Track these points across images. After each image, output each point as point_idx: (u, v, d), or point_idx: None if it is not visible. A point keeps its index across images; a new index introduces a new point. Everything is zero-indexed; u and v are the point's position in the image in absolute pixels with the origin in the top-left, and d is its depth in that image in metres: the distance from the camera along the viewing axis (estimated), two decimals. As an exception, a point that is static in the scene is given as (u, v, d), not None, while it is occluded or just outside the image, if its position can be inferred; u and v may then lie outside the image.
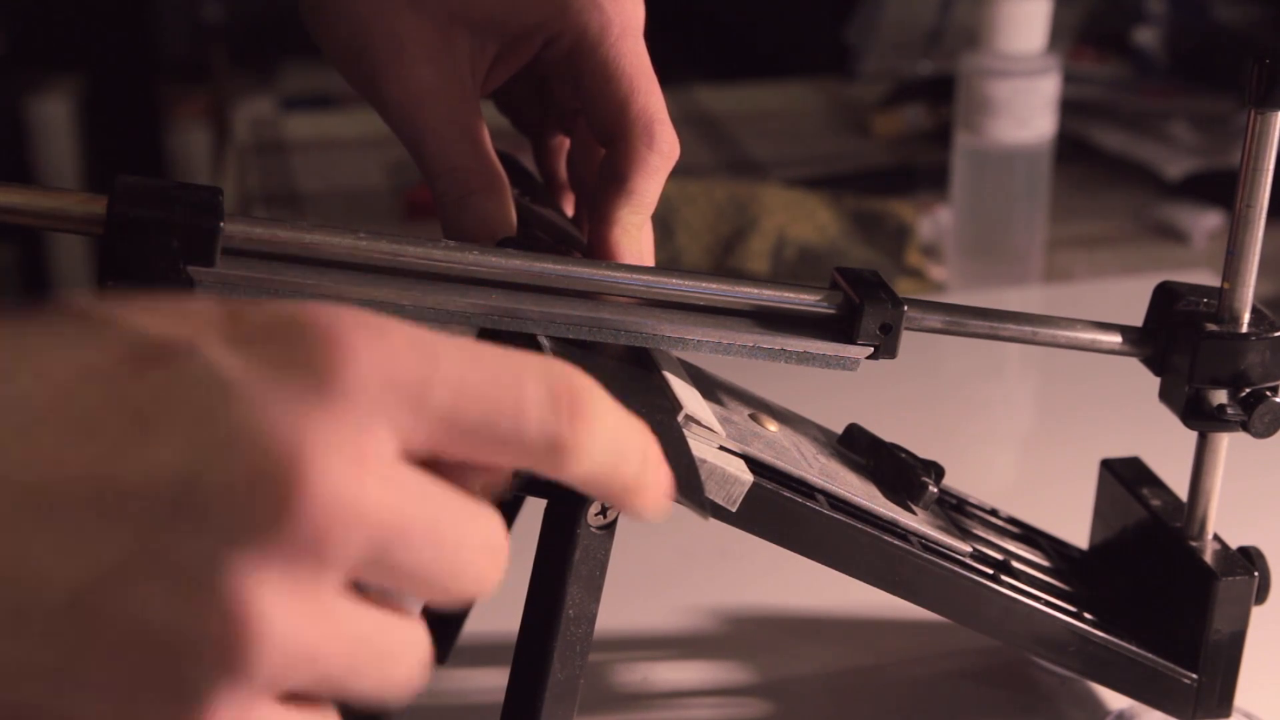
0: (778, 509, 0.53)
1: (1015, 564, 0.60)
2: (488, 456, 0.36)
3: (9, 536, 0.31)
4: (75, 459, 0.31)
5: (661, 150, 0.57)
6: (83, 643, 0.31)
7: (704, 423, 0.52)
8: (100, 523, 0.31)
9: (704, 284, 0.54)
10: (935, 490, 0.59)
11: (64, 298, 0.34)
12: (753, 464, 0.53)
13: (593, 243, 0.57)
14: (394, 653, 0.35)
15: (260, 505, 0.31)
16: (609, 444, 0.37)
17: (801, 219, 1.11)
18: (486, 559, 0.36)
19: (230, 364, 0.32)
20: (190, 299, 0.35)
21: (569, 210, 0.65)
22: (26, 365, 0.32)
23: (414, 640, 0.36)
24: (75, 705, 0.32)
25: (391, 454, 0.34)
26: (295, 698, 0.34)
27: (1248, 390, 0.57)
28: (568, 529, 0.51)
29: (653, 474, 0.39)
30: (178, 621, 0.31)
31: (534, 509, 0.54)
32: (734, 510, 0.52)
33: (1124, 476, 0.65)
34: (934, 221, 1.14)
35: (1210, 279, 0.61)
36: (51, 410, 0.32)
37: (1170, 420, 0.59)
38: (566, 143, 0.65)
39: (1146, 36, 1.45)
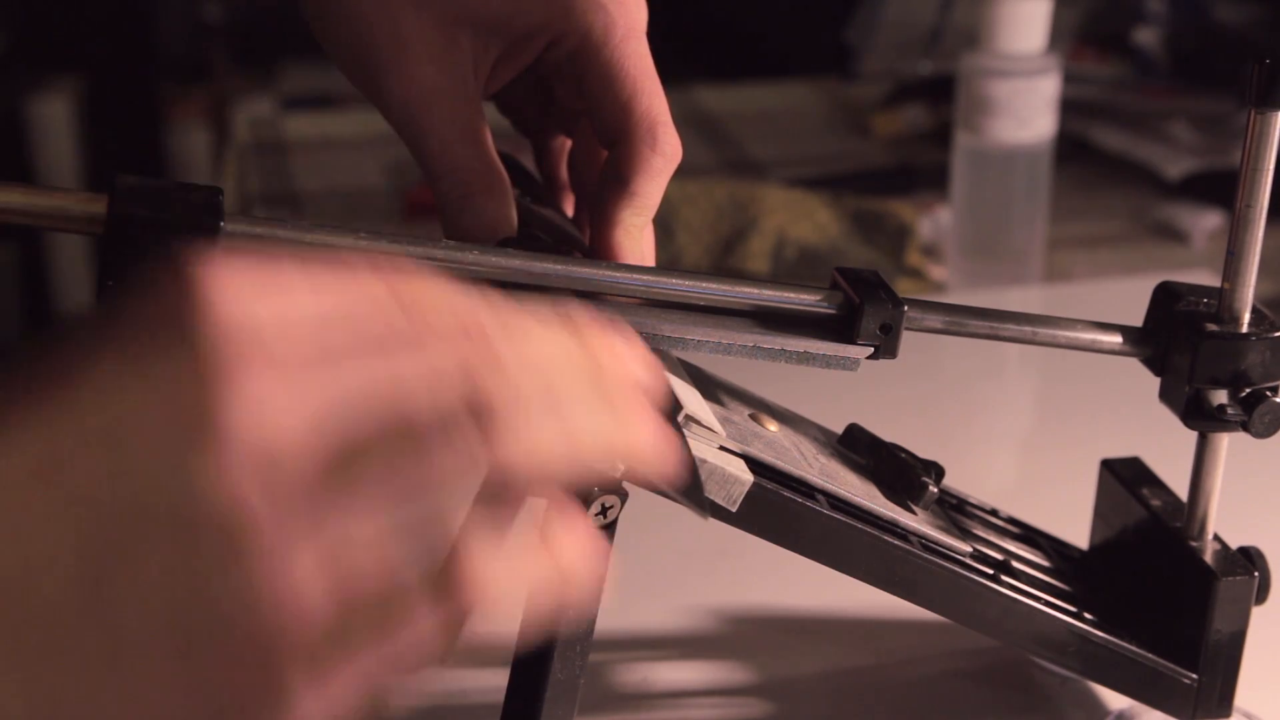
0: (778, 509, 0.53)
1: (1015, 564, 0.60)
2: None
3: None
4: None
5: (664, 152, 0.57)
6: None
7: (704, 423, 0.52)
8: None
9: (704, 284, 0.54)
10: (935, 490, 0.59)
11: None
12: (753, 464, 0.53)
13: (594, 244, 0.57)
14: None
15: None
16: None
17: (801, 219, 1.11)
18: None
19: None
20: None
21: (569, 211, 0.65)
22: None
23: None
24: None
25: None
26: None
27: (1248, 390, 0.57)
28: (568, 529, 0.51)
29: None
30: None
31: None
32: (734, 510, 0.52)
33: (1124, 476, 0.65)
34: (934, 221, 1.14)
35: (1210, 279, 0.61)
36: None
37: (1170, 420, 0.59)
38: (567, 144, 0.65)
39: (1146, 36, 1.45)
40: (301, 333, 0.34)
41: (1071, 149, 1.26)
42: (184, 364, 0.33)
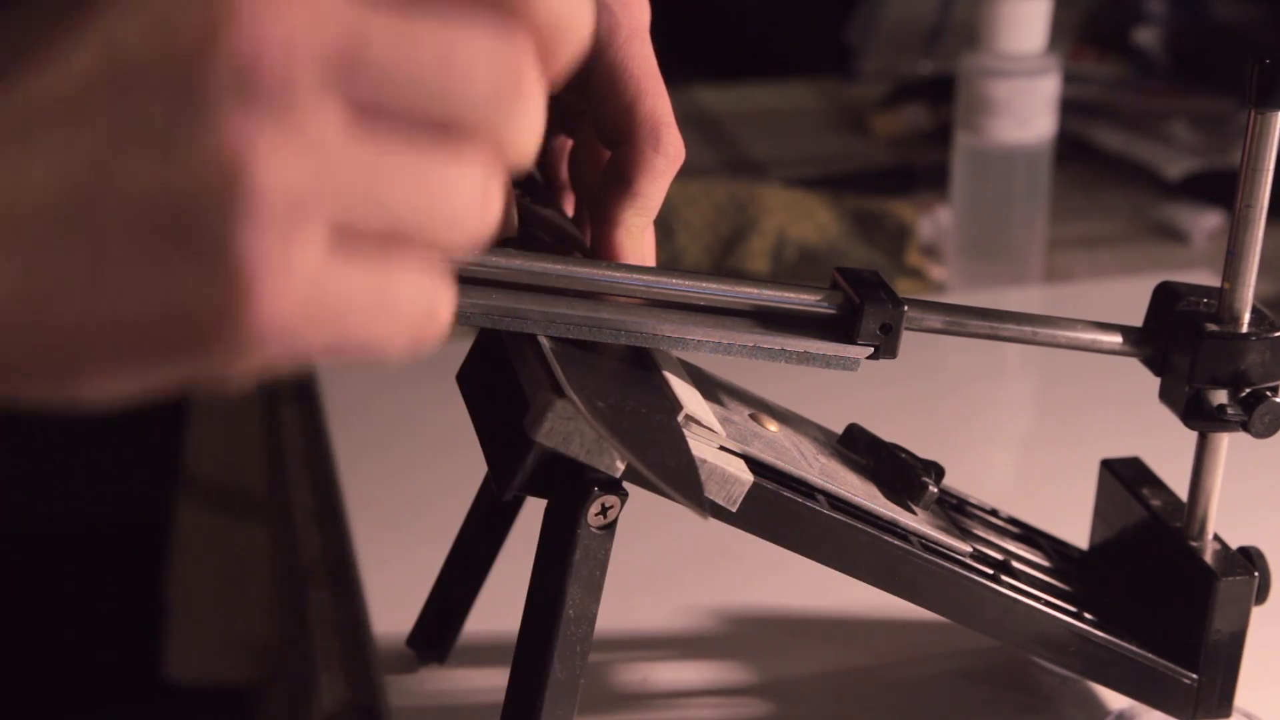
0: (778, 509, 0.53)
1: (1015, 564, 0.60)
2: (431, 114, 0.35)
3: None
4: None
5: (667, 154, 0.57)
6: (97, 233, 0.32)
7: (704, 423, 0.52)
8: (71, 119, 0.32)
9: (704, 284, 0.54)
10: (935, 490, 0.59)
11: None
12: (753, 464, 0.53)
13: (595, 244, 0.57)
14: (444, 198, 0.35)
15: (207, 47, 0.31)
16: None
17: (801, 219, 1.11)
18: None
19: None
20: None
21: (569, 211, 0.65)
22: None
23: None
24: (121, 297, 0.32)
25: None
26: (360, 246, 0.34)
27: (1248, 390, 0.57)
28: (568, 529, 0.51)
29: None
30: (171, 181, 0.32)
31: (534, 509, 0.54)
32: (734, 510, 0.52)
33: (1124, 476, 0.65)
34: (934, 221, 1.14)
35: (1210, 279, 0.61)
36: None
37: (1170, 420, 0.59)
38: (568, 144, 0.65)
39: (1146, 36, 1.45)
40: None
41: (1071, 149, 1.27)
42: None
